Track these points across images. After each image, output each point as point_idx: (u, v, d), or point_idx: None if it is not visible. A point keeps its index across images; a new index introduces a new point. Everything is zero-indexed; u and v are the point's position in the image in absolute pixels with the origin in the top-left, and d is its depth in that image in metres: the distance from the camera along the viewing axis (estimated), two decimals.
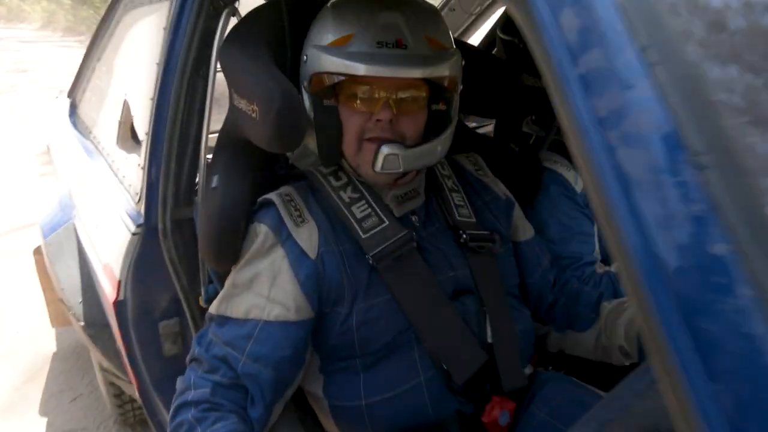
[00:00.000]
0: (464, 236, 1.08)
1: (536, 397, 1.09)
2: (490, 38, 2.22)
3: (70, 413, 2.31)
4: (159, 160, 1.30)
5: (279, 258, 0.99)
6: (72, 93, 2.45)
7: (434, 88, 1.02)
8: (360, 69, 0.93)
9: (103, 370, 1.93)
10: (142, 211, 1.37)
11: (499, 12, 2.08)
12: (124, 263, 1.39)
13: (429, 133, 1.03)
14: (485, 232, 1.11)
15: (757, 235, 0.34)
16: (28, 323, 2.81)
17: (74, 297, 1.84)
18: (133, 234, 1.38)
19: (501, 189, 1.24)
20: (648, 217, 0.36)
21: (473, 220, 1.13)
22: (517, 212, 1.25)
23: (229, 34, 1.11)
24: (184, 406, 0.96)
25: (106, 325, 1.64)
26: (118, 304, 1.42)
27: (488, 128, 2.18)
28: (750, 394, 0.33)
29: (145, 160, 1.36)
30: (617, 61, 0.38)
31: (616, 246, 0.39)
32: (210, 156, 1.19)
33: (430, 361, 1.00)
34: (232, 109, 1.08)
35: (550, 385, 1.11)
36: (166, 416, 1.15)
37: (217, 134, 1.18)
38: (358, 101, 0.98)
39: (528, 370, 1.12)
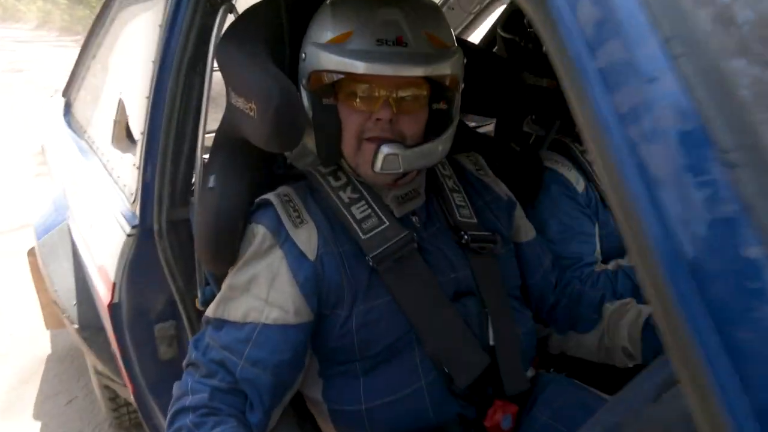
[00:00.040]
0: (465, 237, 1.07)
1: (538, 400, 1.08)
2: (490, 36, 2.21)
3: (66, 416, 2.30)
4: (155, 160, 1.29)
5: (277, 259, 0.98)
6: (67, 92, 2.44)
7: (435, 86, 1.01)
8: (359, 67, 0.91)
9: (98, 373, 1.92)
10: (138, 211, 1.35)
11: (499, 11, 2.07)
12: (119, 265, 1.38)
13: (429, 133, 1.01)
14: (486, 233, 1.10)
15: None
16: (23, 325, 2.80)
17: (68, 299, 1.82)
18: (128, 235, 1.36)
19: (502, 189, 1.23)
20: (673, 216, 0.35)
21: (474, 220, 1.11)
22: (519, 213, 1.24)
23: (226, 31, 1.09)
24: (182, 411, 0.94)
25: (101, 328, 1.63)
26: (113, 307, 1.40)
27: (488, 128, 2.17)
28: None
29: (140, 160, 1.34)
30: (639, 53, 0.37)
31: (635, 242, 0.37)
32: (206, 155, 1.18)
33: (432, 365, 0.98)
34: (230, 108, 1.07)
35: (552, 387, 1.10)
36: (162, 420, 1.14)
37: (213, 133, 1.16)
38: (358, 100, 0.97)
39: (530, 373, 1.11)
